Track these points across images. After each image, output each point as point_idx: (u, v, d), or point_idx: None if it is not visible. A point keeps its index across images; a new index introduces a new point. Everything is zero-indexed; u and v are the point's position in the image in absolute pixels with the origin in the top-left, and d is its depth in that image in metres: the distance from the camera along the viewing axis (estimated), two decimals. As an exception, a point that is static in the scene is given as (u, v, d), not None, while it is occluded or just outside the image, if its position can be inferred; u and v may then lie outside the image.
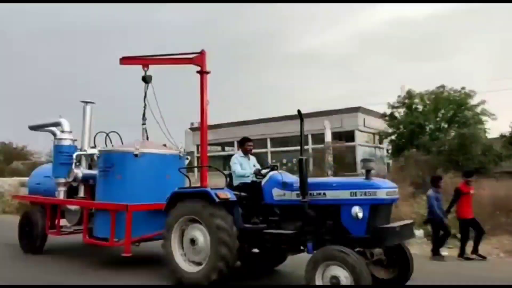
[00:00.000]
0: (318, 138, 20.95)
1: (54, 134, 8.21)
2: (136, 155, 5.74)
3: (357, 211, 3.77)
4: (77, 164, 6.66)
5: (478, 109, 16.84)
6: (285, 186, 4.31)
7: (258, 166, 5.34)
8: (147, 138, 6.83)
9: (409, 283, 4.33)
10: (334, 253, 3.63)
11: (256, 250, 4.89)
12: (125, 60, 6.97)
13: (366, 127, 21.98)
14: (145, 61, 6.93)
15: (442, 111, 17.32)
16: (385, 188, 3.87)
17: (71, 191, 6.93)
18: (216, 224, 4.26)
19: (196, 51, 6.91)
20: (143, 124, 6.89)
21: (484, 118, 16.91)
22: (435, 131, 16.94)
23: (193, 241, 4.56)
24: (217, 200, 4.34)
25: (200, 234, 4.52)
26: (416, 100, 17.67)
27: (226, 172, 5.52)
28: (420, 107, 17.55)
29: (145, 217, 5.65)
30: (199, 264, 4.54)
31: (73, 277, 5.38)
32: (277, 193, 4.39)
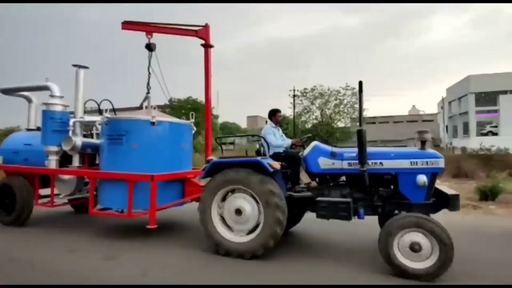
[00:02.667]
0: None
1: (29, 100, 7.52)
2: (153, 123, 5.66)
3: (424, 179, 4.14)
4: (74, 132, 6.28)
5: None
6: (334, 155, 4.61)
7: (285, 137, 5.72)
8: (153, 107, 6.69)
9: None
10: (411, 220, 3.82)
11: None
12: (126, 25, 6.62)
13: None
14: (147, 28, 6.68)
15: None
16: (442, 158, 4.33)
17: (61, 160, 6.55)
18: (269, 189, 4.41)
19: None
20: (147, 93, 6.70)
21: None
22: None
23: (238, 211, 4.64)
24: (271, 170, 4.50)
25: (246, 203, 4.63)
26: None
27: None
28: None
29: (162, 186, 5.68)
30: (246, 233, 4.63)
31: (93, 253, 5.19)
32: (324, 162, 4.66)
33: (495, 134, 31.46)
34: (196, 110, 14.59)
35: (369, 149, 4.45)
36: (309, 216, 5.11)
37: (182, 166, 6.16)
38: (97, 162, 6.90)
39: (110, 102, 7.22)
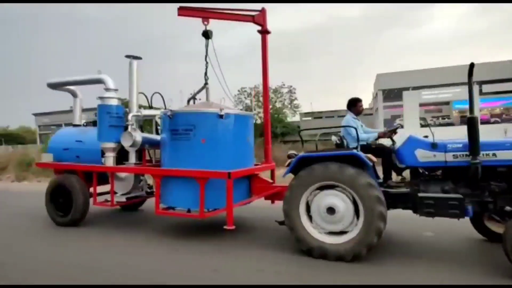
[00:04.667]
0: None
1: (74, 94, 7.18)
2: (221, 116, 5.28)
3: None
4: (133, 127, 5.93)
5: None
6: (436, 147, 4.23)
7: (366, 128, 5.32)
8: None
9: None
10: None
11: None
12: (183, 11, 6.19)
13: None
14: (204, 13, 6.24)
15: None
16: None
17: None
18: (367, 182, 4.06)
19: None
20: (206, 83, 6.30)
21: None
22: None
23: (331, 210, 4.29)
24: (370, 163, 4.17)
25: (339, 200, 4.27)
26: None
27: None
28: None
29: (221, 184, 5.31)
30: (337, 234, 4.30)
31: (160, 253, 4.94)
32: (423, 155, 4.28)
33: (403, 126, 32.06)
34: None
35: (480, 140, 3.99)
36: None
37: (248, 161, 5.80)
38: (147, 158, 6.60)
39: (161, 95, 6.88)
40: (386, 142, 5.08)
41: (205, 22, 6.24)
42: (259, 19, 6.46)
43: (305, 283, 3.71)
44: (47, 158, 6.69)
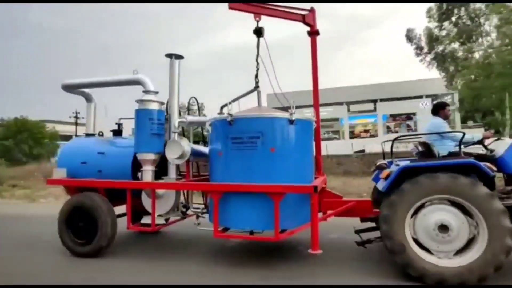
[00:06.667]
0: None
1: (88, 98, 6.18)
2: (291, 122, 4.61)
3: None
4: (180, 135, 5.07)
5: None
6: None
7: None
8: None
9: None
10: None
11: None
12: (234, 4, 5.50)
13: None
14: (256, 8, 5.61)
15: None
16: None
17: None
18: (486, 193, 3.60)
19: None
20: (257, 86, 5.60)
21: None
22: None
23: (443, 227, 3.78)
24: (491, 173, 3.70)
25: (451, 216, 3.78)
26: None
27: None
28: None
29: (301, 199, 4.63)
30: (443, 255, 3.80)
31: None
32: None
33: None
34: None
35: None
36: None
37: (312, 172, 5.14)
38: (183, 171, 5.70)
39: (196, 99, 6.09)
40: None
41: (257, 18, 5.61)
42: (310, 19, 5.97)
43: None
44: (60, 174, 5.55)
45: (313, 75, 6.05)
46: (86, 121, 6.24)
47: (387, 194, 4.06)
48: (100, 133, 6.22)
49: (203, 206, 5.56)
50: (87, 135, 6.18)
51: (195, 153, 5.22)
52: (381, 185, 4.22)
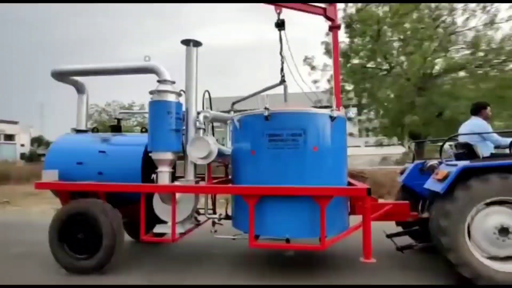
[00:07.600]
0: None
1: (80, 89, 5.35)
2: (333, 118, 4.22)
3: None
4: (205, 132, 4.44)
5: None
6: None
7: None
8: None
9: None
10: None
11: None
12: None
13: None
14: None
15: None
16: None
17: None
18: None
19: None
20: (283, 81, 5.14)
21: None
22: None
23: (504, 231, 3.63)
24: None
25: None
26: None
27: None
28: None
29: (340, 203, 4.26)
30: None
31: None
32: None
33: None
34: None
35: None
36: None
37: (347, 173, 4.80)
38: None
39: (209, 93, 5.50)
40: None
41: (278, 11, 5.21)
42: (331, 13, 5.69)
43: None
44: (51, 176, 4.63)
45: (334, 68, 5.80)
46: (77, 115, 5.34)
47: (440, 196, 3.84)
48: (96, 129, 5.37)
49: (221, 212, 4.96)
50: (78, 131, 5.29)
51: (222, 153, 4.63)
52: (434, 186, 3.99)
